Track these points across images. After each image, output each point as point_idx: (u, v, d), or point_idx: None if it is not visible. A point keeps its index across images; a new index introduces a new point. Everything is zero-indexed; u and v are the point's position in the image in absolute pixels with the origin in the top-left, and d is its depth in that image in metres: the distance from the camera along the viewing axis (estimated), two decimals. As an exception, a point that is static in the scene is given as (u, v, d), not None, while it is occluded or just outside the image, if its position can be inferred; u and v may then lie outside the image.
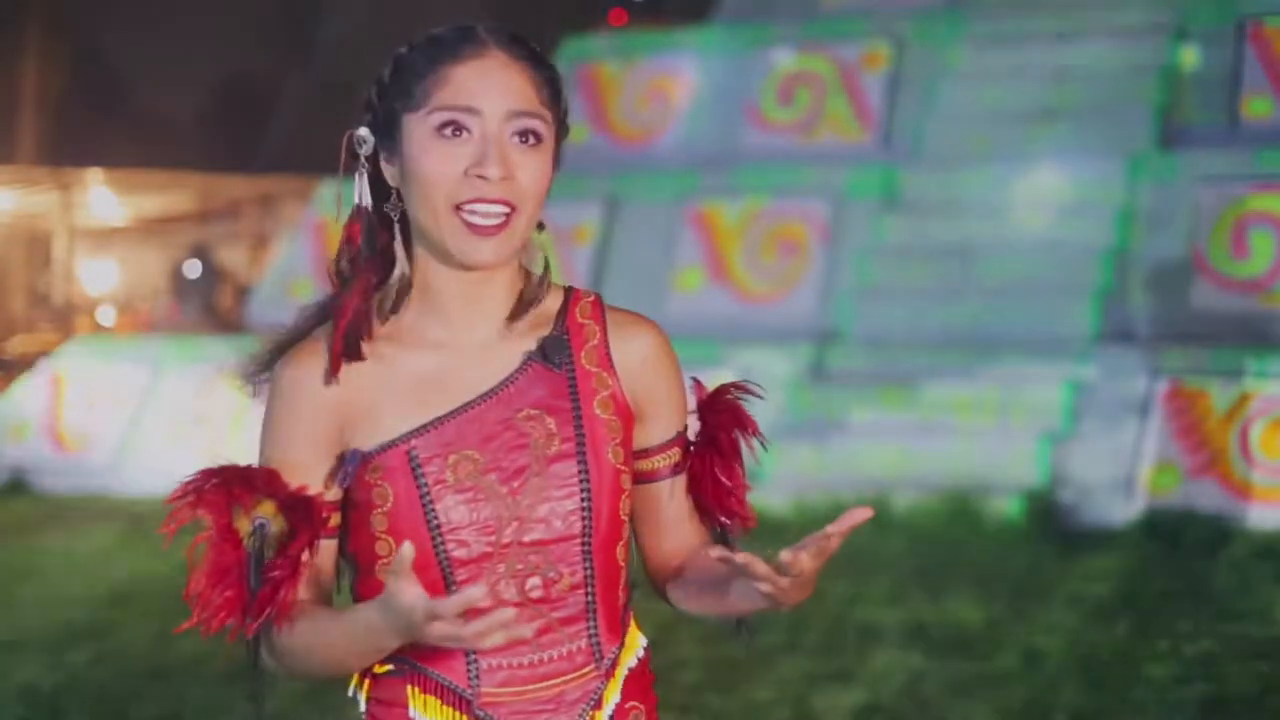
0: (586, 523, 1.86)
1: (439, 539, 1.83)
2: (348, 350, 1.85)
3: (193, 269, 18.05)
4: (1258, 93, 9.90)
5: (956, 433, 8.94)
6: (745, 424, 1.96)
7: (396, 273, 1.89)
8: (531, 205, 1.85)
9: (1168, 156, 9.88)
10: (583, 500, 1.86)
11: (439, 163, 1.82)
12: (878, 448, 8.98)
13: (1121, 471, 8.48)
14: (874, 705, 5.40)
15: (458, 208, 1.82)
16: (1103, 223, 9.79)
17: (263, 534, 1.79)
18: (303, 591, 1.83)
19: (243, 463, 1.84)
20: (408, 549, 1.63)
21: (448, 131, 1.82)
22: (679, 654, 5.65)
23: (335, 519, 1.87)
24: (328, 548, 1.88)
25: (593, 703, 1.89)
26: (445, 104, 1.82)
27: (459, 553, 1.83)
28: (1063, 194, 10.03)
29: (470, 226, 1.82)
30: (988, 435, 8.86)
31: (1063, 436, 8.72)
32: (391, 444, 1.84)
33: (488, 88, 1.83)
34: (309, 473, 1.85)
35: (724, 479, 1.95)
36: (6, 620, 7.02)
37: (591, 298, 1.96)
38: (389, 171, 1.88)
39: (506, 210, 1.82)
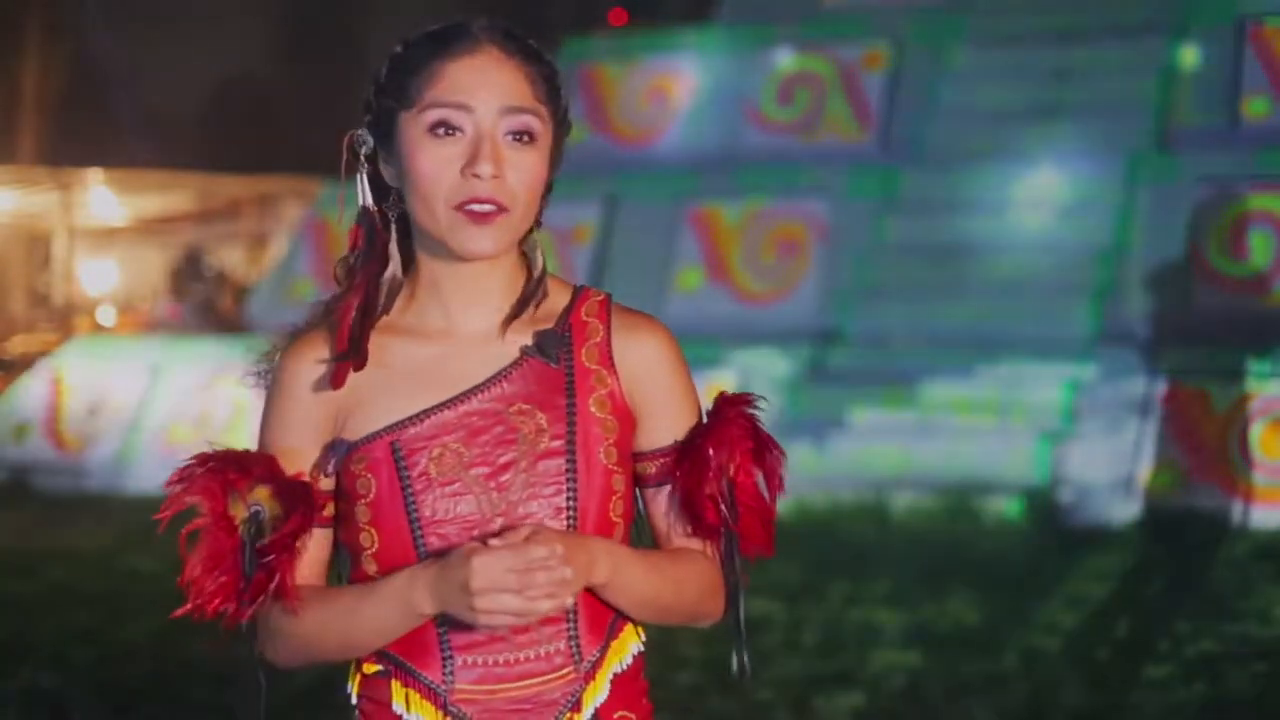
0: (572, 522, 1.84)
1: (419, 532, 1.82)
2: (350, 351, 1.85)
3: (204, 267, 18.08)
4: (1258, 93, 9.90)
5: (956, 433, 8.93)
6: (736, 443, 1.90)
7: (388, 273, 1.89)
8: (523, 205, 1.84)
9: (1167, 156, 9.88)
10: (569, 499, 1.84)
11: (433, 164, 1.82)
12: (878, 448, 8.98)
13: (1121, 471, 8.47)
14: (874, 706, 5.40)
15: (455, 208, 1.82)
16: (1103, 223, 9.79)
17: (258, 520, 1.79)
18: (301, 577, 1.84)
19: (239, 449, 1.84)
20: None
21: (440, 131, 1.82)
22: (679, 655, 5.65)
23: (330, 508, 1.88)
24: (323, 536, 1.88)
25: (571, 705, 1.87)
26: (437, 101, 1.82)
27: (440, 546, 1.82)
28: (1063, 194, 10.03)
29: (469, 215, 1.81)
30: (988, 435, 8.86)
31: (1063, 436, 8.72)
32: (376, 435, 1.84)
33: (480, 84, 1.82)
34: (304, 460, 1.86)
35: (695, 490, 1.89)
36: (6, 620, 7.01)
37: (600, 297, 1.95)
38: (387, 171, 1.89)
39: (499, 209, 1.82)
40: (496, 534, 1.79)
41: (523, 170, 1.83)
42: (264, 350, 1.95)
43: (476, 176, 1.80)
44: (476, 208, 1.81)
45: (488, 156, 1.81)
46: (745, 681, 1.91)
